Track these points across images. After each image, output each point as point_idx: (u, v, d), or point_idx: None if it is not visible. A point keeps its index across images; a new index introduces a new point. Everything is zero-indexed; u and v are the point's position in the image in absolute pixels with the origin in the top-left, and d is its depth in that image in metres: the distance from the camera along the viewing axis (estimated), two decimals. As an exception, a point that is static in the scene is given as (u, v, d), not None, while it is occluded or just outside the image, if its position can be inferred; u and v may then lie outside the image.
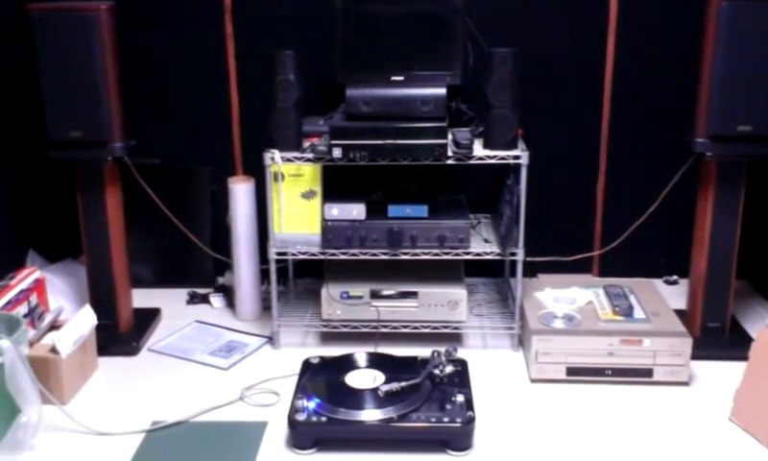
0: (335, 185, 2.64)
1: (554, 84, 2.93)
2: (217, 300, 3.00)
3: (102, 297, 2.66)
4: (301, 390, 2.21)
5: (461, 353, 2.37)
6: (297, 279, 3.03)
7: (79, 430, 2.21)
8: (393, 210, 2.58)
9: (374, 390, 2.18)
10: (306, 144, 2.55)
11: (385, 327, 2.63)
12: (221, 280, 3.10)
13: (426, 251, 2.56)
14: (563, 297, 2.63)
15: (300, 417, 2.10)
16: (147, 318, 2.81)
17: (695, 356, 2.41)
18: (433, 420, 2.08)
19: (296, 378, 2.30)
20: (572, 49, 2.90)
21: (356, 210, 2.56)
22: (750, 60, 2.32)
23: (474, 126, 2.65)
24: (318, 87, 2.75)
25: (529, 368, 2.47)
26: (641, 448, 2.12)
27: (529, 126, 2.61)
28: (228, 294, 2.99)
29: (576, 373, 2.42)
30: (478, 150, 2.51)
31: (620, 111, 2.95)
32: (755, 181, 2.66)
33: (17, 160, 2.97)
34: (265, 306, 2.87)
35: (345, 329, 2.65)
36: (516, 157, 2.48)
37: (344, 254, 2.58)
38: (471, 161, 2.48)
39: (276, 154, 2.50)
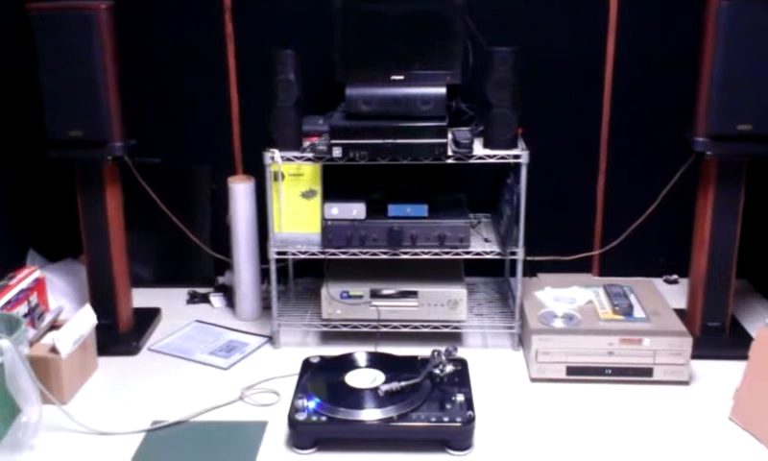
0: (335, 185, 2.64)
1: (554, 84, 2.93)
2: (217, 299, 3.00)
3: (102, 296, 2.66)
4: (302, 390, 2.21)
5: (461, 353, 2.36)
6: (297, 279, 3.03)
7: (79, 430, 2.21)
8: (393, 210, 2.58)
9: (374, 389, 2.18)
10: (306, 143, 2.55)
11: (385, 326, 2.63)
12: (221, 280, 3.10)
13: (426, 250, 2.56)
14: (563, 296, 2.63)
15: (301, 416, 2.10)
16: (147, 318, 2.81)
17: (695, 356, 2.41)
18: (433, 419, 2.08)
19: (296, 378, 2.30)
20: (572, 48, 2.90)
21: (356, 210, 2.56)
22: (750, 60, 2.32)
23: (474, 125, 2.65)
24: (318, 87, 2.75)
25: (529, 367, 2.47)
26: (641, 448, 2.12)
27: (529, 125, 2.60)
28: (229, 293, 2.99)
29: (576, 372, 2.42)
30: (478, 149, 2.51)
31: (620, 111, 2.95)
32: (755, 180, 2.66)
33: (17, 160, 2.97)
34: (265, 306, 2.87)
35: (345, 329, 2.65)
36: (516, 157, 2.48)
37: (344, 253, 2.58)
38: (471, 161, 2.48)
39: (276, 153, 2.50)
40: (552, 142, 2.93)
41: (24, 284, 2.58)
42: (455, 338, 2.68)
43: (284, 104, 2.50)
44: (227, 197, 2.84)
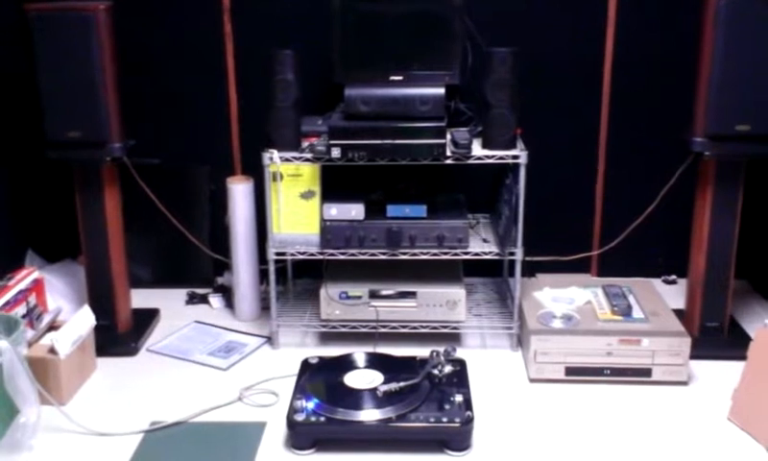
0: (334, 185, 2.64)
1: (553, 84, 2.93)
2: (216, 300, 3.00)
3: (100, 297, 2.66)
4: (300, 390, 2.21)
5: (460, 353, 2.36)
6: (295, 280, 3.03)
7: (77, 431, 2.21)
8: (391, 210, 2.58)
9: (373, 390, 2.18)
10: (305, 144, 2.55)
11: (384, 327, 2.63)
12: (220, 281, 3.10)
13: (425, 251, 2.56)
14: (561, 296, 2.63)
15: (299, 417, 2.10)
16: (146, 318, 2.81)
17: (694, 356, 2.41)
18: (432, 420, 2.08)
19: (295, 379, 2.30)
20: (571, 49, 2.90)
21: (355, 210, 2.56)
22: (748, 60, 2.32)
23: (473, 125, 2.65)
24: (316, 87, 2.75)
25: (528, 368, 2.47)
26: (640, 448, 2.12)
27: (528, 125, 2.60)
28: (227, 294, 2.99)
29: (575, 372, 2.42)
30: (477, 150, 2.51)
31: (619, 111, 2.96)
32: (753, 180, 2.66)
33: (16, 160, 2.97)
34: (264, 307, 2.87)
35: (343, 329, 2.65)
36: (515, 157, 2.48)
37: (342, 254, 2.58)
38: (470, 161, 2.48)
39: (275, 153, 2.50)
40: (551, 142, 2.93)
41: (23, 285, 2.57)
42: (454, 338, 2.68)
43: (283, 104, 2.50)
44: (225, 197, 2.84)
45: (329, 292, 2.63)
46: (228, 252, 2.93)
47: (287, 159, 2.52)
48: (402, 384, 2.18)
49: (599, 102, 2.95)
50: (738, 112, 2.36)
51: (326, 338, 2.70)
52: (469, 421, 2.09)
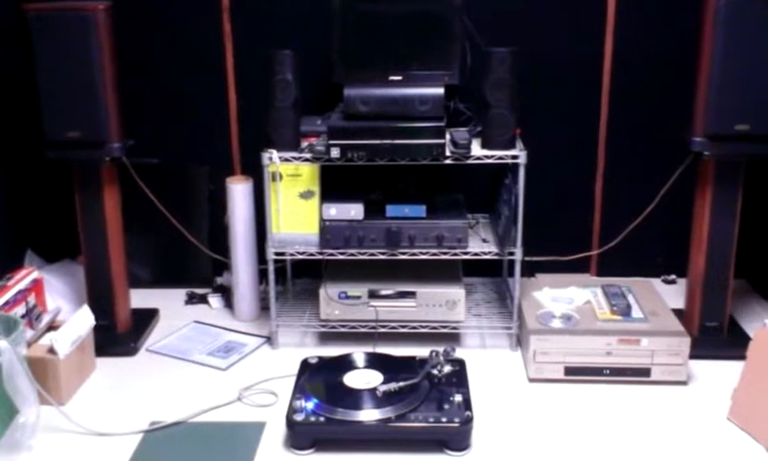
0: (333, 185, 2.64)
1: (552, 84, 2.92)
2: (215, 300, 3.00)
3: (100, 297, 2.66)
4: (300, 390, 2.21)
5: (459, 353, 2.36)
6: (295, 280, 3.03)
7: (77, 431, 2.21)
8: (391, 210, 2.58)
9: (373, 390, 2.18)
10: (304, 144, 2.55)
11: (383, 326, 2.63)
12: (219, 281, 3.10)
13: (424, 251, 2.56)
14: (561, 296, 2.63)
15: (299, 417, 2.10)
16: (145, 318, 2.81)
17: (693, 356, 2.41)
18: (431, 420, 2.08)
19: (294, 379, 2.30)
20: (571, 48, 2.90)
21: (354, 210, 2.56)
22: (748, 59, 2.32)
23: (472, 125, 2.65)
24: (316, 87, 2.75)
25: (527, 367, 2.47)
26: (639, 448, 2.12)
27: (527, 125, 2.60)
28: (227, 294, 2.99)
29: (574, 372, 2.42)
30: (476, 150, 2.51)
31: (618, 111, 2.95)
32: (753, 179, 2.66)
33: (15, 160, 2.97)
34: (263, 307, 2.87)
35: (343, 329, 2.65)
36: (514, 157, 2.48)
37: (342, 254, 2.58)
38: (469, 161, 2.48)
39: (274, 153, 2.50)
40: (550, 142, 2.93)
41: (22, 285, 2.57)
42: (453, 338, 2.68)
43: (282, 104, 2.50)
44: (225, 197, 2.84)
45: (329, 292, 2.63)
46: (227, 252, 2.93)
47: (286, 159, 2.51)
48: (402, 384, 2.18)
49: (599, 102, 2.95)
50: (738, 112, 2.36)
51: (326, 338, 2.70)
52: (469, 420, 2.09)
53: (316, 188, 2.56)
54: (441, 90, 2.47)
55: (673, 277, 3.11)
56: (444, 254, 2.56)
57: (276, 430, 2.21)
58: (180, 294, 3.05)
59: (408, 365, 2.30)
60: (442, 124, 2.44)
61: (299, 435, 2.11)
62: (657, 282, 3.03)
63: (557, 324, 2.47)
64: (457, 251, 2.56)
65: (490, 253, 2.59)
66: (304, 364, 2.36)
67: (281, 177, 2.54)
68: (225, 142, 3.05)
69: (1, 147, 2.91)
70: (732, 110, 2.36)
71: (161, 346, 2.70)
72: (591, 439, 2.16)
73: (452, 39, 2.58)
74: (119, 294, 2.69)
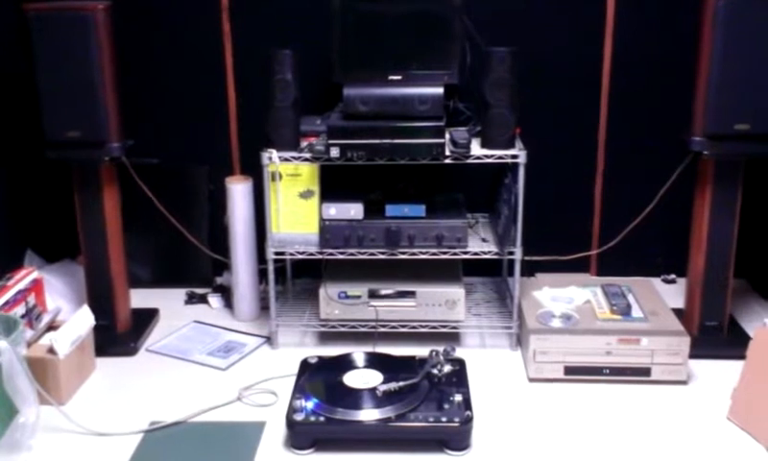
0: (333, 185, 2.64)
1: (552, 84, 2.92)
2: (215, 300, 3.00)
3: (100, 297, 2.66)
4: (300, 390, 2.21)
5: (459, 353, 2.36)
6: (295, 279, 3.03)
7: (77, 431, 2.21)
8: (390, 210, 2.58)
9: (372, 390, 2.18)
10: (304, 144, 2.55)
11: (383, 326, 2.63)
12: (219, 280, 3.10)
13: (424, 250, 2.56)
14: (560, 296, 2.63)
15: (299, 417, 2.10)
16: (145, 318, 2.81)
17: (693, 355, 2.41)
18: (431, 419, 2.08)
19: (294, 378, 2.30)
20: (570, 48, 2.90)
21: (354, 210, 2.56)
22: (747, 59, 2.32)
23: (472, 125, 2.65)
24: (315, 87, 2.75)
25: (527, 367, 2.47)
26: (639, 447, 2.12)
27: (527, 125, 2.60)
28: (227, 294, 2.99)
29: (574, 372, 2.42)
30: (476, 149, 2.51)
31: (618, 110, 2.95)
32: (752, 179, 2.66)
33: (15, 160, 2.97)
34: (263, 306, 2.87)
35: (343, 329, 2.65)
36: (514, 157, 2.48)
37: (342, 253, 2.58)
38: (469, 161, 2.48)
39: (274, 153, 2.50)
40: (550, 142, 2.93)
41: (22, 285, 2.57)
42: (453, 338, 2.68)
43: (282, 104, 2.50)
44: (224, 197, 2.84)
45: (328, 292, 2.63)
46: (227, 251, 2.93)
47: (286, 159, 2.51)
48: (402, 384, 2.18)
49: (598, 102, 2.95)
50: (737, 112, 2.36)
51: (326, 338, 2.70)
52: (469, 420, 2.09)
53: (315, 188, 2.56)
54: (440, 90, 2.47)
55: (673, 276, 3.11)
56: (444, 253, 2.56)
57: (275, 430, 2.21)
58: (179, 294, 3.04)
59: (408, 365, 2.30)
60: (441, 123, 2.44)
61: (298, 435, 2.11)
62: (657, 282, 3.03)
63: (557, 323, 2.47)
64: (457, 250, 2.56)
65: (489, 252, 2.59)
66: (304, 364, 2.36)
67: (281, 176, 2.54)
68: (224, 142, 3.05)
69: (1, 147, 2.91)
70: (732, 110, 2.36)
71: (161, 346, 2.70)
72: (591, 439, 2.16)
73: (452, 39, 2.58)
74: (119, 294, 2.69)
